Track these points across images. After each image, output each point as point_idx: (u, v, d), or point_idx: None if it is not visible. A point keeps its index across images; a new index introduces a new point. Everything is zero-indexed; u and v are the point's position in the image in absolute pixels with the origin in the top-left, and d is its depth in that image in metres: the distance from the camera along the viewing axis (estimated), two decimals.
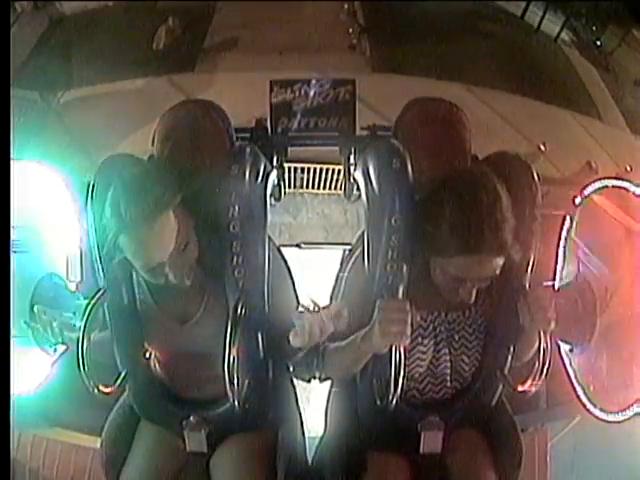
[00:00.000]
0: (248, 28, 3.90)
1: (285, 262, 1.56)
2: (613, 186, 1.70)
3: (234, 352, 1.29)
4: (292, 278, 1.55)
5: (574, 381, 1.82)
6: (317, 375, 1.45)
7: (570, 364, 1.79)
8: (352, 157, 1.87)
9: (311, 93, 1.88)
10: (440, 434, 1.49)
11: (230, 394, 1.32)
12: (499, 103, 3.50)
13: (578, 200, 1.75)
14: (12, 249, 1.61)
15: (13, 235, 1.61)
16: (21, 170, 1.69)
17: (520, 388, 1.37)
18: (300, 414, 1.64)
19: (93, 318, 1.31)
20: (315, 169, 2.79)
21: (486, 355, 1.46)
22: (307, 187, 2.92)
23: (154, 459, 1.50)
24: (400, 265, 1.35)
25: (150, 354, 1.49)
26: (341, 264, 1.75)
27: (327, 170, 2.79)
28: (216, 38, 3.86)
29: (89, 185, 1.37)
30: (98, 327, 1.41)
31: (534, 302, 1.30)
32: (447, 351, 1.45)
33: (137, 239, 1.20)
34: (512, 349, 1.44)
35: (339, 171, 2.74)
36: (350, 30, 3.88)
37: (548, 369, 1.31)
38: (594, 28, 4.22)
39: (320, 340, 1.24)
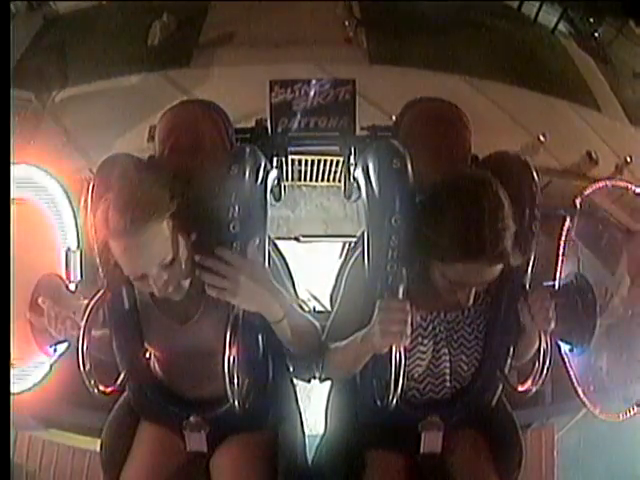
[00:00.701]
0: (244, 22, 3.86)
1: (284, 259, 1.56)
2: (613, 186, 1.70)
3: (234, 352, 1.28)
4: (291, 276, 1.54)
5: (574, 381, 1.82)
6: (317, 375, 1.46)
7: (570, 364, 1.79)
8: (352, 157, 1.86)
9: (311, 93, 1.87)
10: (440, 434, 1.49)
11: (230, 394, 1.31)
12: (497, 95, 3.50)
13: (578, 200, 1.75)
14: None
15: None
16: (20, 170, 1.69)
17: (520, 388, 1.38)
18: (300, 413, 1.64)
19: (93, 318, 1.30)
20: (313, 161, 2.76)
21: (486, 355, 1.46)
22: (305, 180, 2.90)
23: (154, 459, 1.50)
24: (400, 265, 1.35)
25: (150, 354, 1.49)
26: (341, 264, 1.76)
27: (325, 162, 2.77)
28: (211, 33, 3.82)
29: (88, 184, 1.37)
30: (98, 326, 1.41)
31: (534, 302, 1.31)
32: (447, 351, 1.45)
33: (121, 247, 1.20)
34: (512, 349, 1.44)
35: (337, 163, 2.73)
36: (347, 23, 3.86)
37: (548, 369, 1.32)
38: (591, 20, 4.22)
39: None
